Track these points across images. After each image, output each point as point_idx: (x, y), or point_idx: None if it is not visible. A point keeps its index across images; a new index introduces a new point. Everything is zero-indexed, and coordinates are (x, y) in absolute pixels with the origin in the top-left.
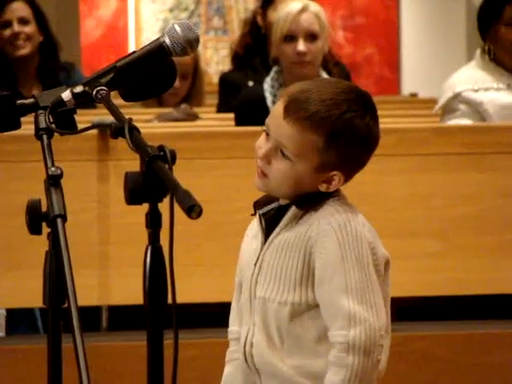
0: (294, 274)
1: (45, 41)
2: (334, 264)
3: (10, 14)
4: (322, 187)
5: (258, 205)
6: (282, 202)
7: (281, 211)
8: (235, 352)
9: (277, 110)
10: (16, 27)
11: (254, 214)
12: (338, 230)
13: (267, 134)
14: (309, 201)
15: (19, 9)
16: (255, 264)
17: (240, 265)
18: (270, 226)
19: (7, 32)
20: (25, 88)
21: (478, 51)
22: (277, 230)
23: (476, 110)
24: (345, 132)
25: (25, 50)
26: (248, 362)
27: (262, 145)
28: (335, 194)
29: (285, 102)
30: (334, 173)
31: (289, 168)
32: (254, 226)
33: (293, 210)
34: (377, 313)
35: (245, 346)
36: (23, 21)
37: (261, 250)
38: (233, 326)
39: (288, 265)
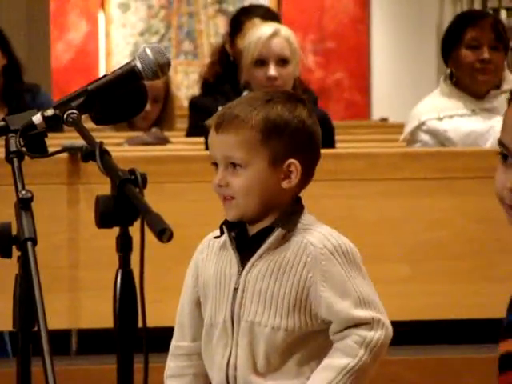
0: (287, 300)
1: (8, 63)
2: (342, 286)
3: None
4: (284, 184)
5: (226, 226)
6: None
7: (261, 235)
8: (187, 368)
9: (210, 136)
10: None
11: (219, 237)
12: (334, 252)
13: (216, 166)
14: (290, 220)
15: None
16: (236, 288)
17: (202, 287)
18: (242, 248)
19: None
20: None
21: (442, 78)
22: (259, 252)
23: (439, 139)
24: (275, 118)
25: None
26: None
27: (215, 177)
28: (308, 215)
29: (214, 123)
30: (288, 162)
31: (246, 175)
32: (211, 250)
33: (276, 232)
34: (389, 325)
35: (227, 370)
36: None
37: (240, 272)
38: (182, 342)
39: (280, 290)
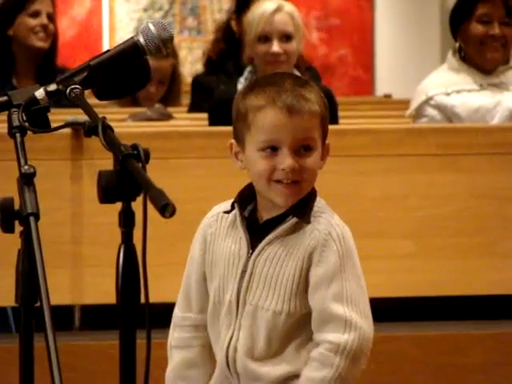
0: (290, 284)
1: (52, 42)
2: (332, 273)
3: (41, 5)
4: (321, 165)
5: (239, 203)
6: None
7: (275, 219)
8: (194, 339)
9: (277, 120)
10: (45, 19)
11: (228, 212)
12: (337, 240)
13: (273, 150)
14: (305, 210)
15: (48, 4)
16: (244, 271)
17: (209, 263)
18: (253, 229)
19: (35, 21)
20: (20, 82)
21: (450, 53)
22: (269, 237)
23: (446, 115)
24: (324, 99)
25: (45, 43)
26: (230, 366)
27: (277, 162)
28: (319, 199)
29: (283, 107)
30: (327, 143)
31: (314, 159)
32: (220, 225)
33: (290, 221)
34: (369, 323)
35: (228, 350)
36: (50, 17)
37: (249, 255)
38: (188, 313)
39: (285, 274)
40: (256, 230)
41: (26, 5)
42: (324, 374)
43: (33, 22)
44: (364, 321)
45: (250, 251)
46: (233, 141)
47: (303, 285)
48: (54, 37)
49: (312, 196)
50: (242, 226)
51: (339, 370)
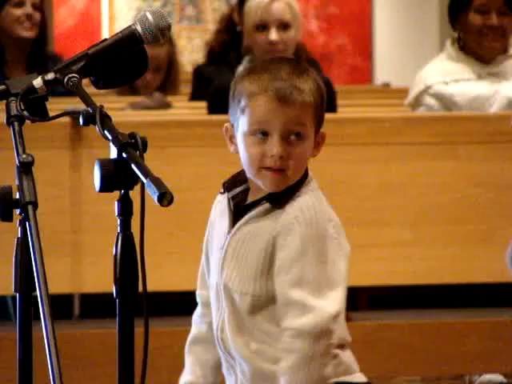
0: (255, 266)
1: (40, 30)
2: (294, 257)
3: None
4: (314, 153)
5: (226, 186)
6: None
7: (255, 203)
8: (204, 316)
9: (268, 107)
10: (29, 9)
11: (223, 193)
12: (303, 224)
13: (264, 135)
14: (281, 196)
15: None
16: (222, 248)
17: (210, 242)
18: (238, 209)
19: (19, 11)
20: (11, 71)
21: (448, 42)
22: (246, 217)
23: (445, 104)
24: (322, 88)
25: (31, 33)
26: (221, 347)
27: (266, 149)
28: (308, 182)
29: (275, 95)
30: (320, 132)
31: (303, 148)
32: (219, 207)
33: (264, 205)
34: (329, 303)
35: (217, 331)
36: (35, 6)
37: (228, 233)
38: (202, 290)
39: (250, 256)
40: (241, 212)
41: None
42: (291, 362)
43: (17, 11)
44: (321, 301)
45: (230, 232)
46: (228, 124)
47: (267, 268)
48: (42, 24)
49: (297, 183)
50: (228, 208)
51: (303, 352)
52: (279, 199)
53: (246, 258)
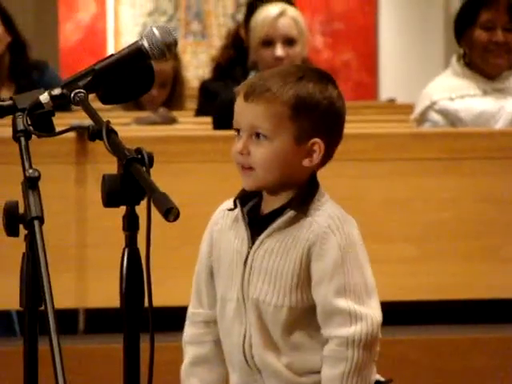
0: (290, 278)
1: (13, 41)
2: (333, 267)
3: None
4: (306, 162)
5: (240, 201)
6: (268, 199)
7: (273, 214)
8: (206, 335)
9: (238, 103)
10: None
11: (233, 209)
12: (336, 232)
13: (238, 133)
14: (304, 203)
15: None
16: (245, 263)
17: (216, 258)
18: (254, 224)
19: None
20: None
21: (454, 58)
22: (268, 230)
23: (450, 120)
24: (306, 97)
25: None
26: (249, 362)
27: (236, 144)
28: (322, 194)
29: (243, 91)
30: (313, 141)
31: (270, 147)
32: (225, 221)
33: (288, 214)
34: (375, 309)
35: (244, 347)
36: None
37: (250, 248)
38: (199, 309)
39: (284, 268)
40: (257, 225)
41: None
42: (341, 370)
43: None
44: (368, 309)
45: (251, 245)
46: None
47: (304, 278)
48: (12, 30)
49: (312, 188)
50: (243, 221)
51: (354, 361)
52: (303, 205)
53: (278, 271)
